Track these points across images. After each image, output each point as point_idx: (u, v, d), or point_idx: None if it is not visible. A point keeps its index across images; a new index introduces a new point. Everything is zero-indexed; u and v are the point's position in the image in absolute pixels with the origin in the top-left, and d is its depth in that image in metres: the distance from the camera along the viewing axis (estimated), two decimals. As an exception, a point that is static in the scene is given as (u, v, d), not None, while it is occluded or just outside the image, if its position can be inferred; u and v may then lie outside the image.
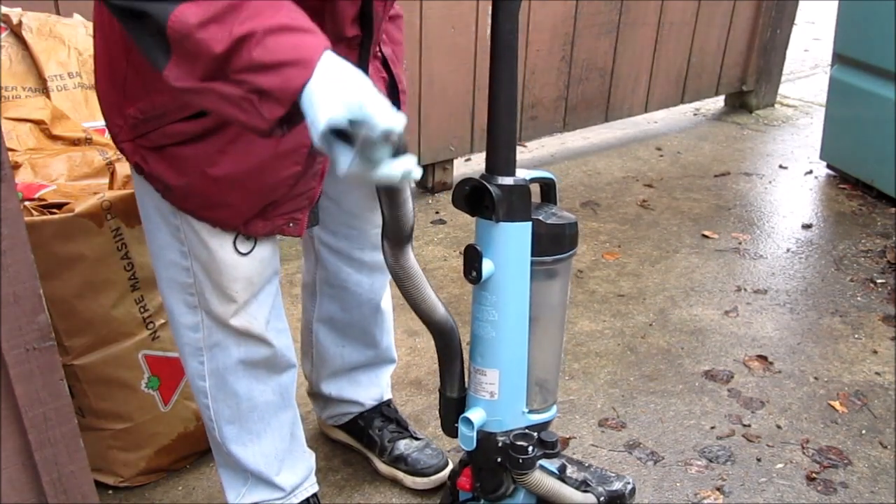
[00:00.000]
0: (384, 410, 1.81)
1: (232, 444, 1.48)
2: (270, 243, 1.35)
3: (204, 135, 1.18)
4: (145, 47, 0.98)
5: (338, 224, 1.56)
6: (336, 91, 0.93)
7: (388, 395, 1.84)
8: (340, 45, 1.20)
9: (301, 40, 0.96)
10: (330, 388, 1.77)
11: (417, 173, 0.98)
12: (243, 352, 1.39)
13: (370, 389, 1.79)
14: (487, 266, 1.26)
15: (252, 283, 1.34)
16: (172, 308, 1.39)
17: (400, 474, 1.76)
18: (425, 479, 1.75)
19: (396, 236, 1.17)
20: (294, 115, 0.96)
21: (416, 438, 1.80)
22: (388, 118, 0.92)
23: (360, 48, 1.26)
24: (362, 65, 1.27)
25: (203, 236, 1.28)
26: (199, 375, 1.42)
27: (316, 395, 1.83)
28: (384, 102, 0.93)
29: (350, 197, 1.52)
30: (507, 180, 1.24)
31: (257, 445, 1.49)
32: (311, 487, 1.62)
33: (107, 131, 1.33)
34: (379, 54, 1.39)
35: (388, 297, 1.72)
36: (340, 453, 1.84)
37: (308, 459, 1.61)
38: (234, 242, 1.31)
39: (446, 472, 1.75)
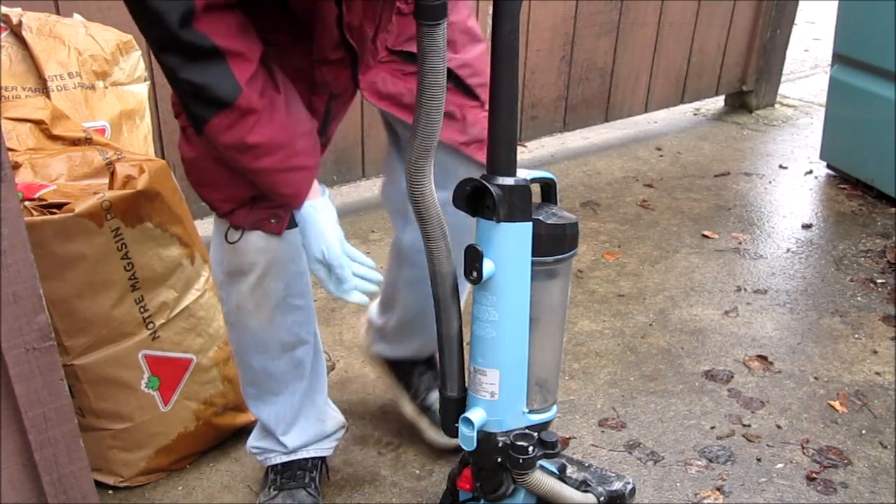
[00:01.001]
0: (432, 361, 1.84)
1: (250, 401, 1.64)
2: (261, 235, 1.42)
3: None
4: (184, 103, 1.25)
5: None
6: (313, 234, 1.33)
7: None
8: (329, 66, 1.34)
9: (296, 179, 1.30)
10: (400, 335, 1.81)
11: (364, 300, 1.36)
12: (256, 326, 1.49)
13: (432, 344, 1.80)
14: (488, 266, 1.26)
15: (253, 265, 1.42)
16: None
17: (424, 423, 1.80)
18: (444, 439, 1.75)
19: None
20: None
21: None
22: (340, 269, 1.32)
23: (352, 67, 1.36)
24: (354, 82, 1.39)
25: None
26: (231, 341, 1.59)
27: (378, 329, 1.86)
28: (339, 254, 1.32)
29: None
30: (508, 180, 1.24)
31: (272, 406, 1.61)
32: (316, 450, 1.69)
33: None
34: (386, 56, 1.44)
35: None
36: (341, 453, 1.84)
37: (320, 426, 1.67)
38: (226, 233, 1.43)
39: None
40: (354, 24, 1.28)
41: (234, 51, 1.18)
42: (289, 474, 1.68)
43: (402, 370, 1.86)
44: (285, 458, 1.67)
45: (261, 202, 1.38)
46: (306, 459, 1.69)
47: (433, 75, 1.14)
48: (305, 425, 1.65)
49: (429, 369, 1.84)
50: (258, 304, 1.47)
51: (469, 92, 1.49)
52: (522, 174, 1.27)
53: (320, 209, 1.33)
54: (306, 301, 1.54)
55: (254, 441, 1.70)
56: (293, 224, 1.40)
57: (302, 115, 1.31)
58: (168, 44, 1.16)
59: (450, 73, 1.35)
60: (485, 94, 1.46)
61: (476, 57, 1.49)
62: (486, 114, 1.43)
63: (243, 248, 1.42)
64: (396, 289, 1.76)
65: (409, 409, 1.84)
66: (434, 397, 1.79)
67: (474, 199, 1.26)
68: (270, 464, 1.69)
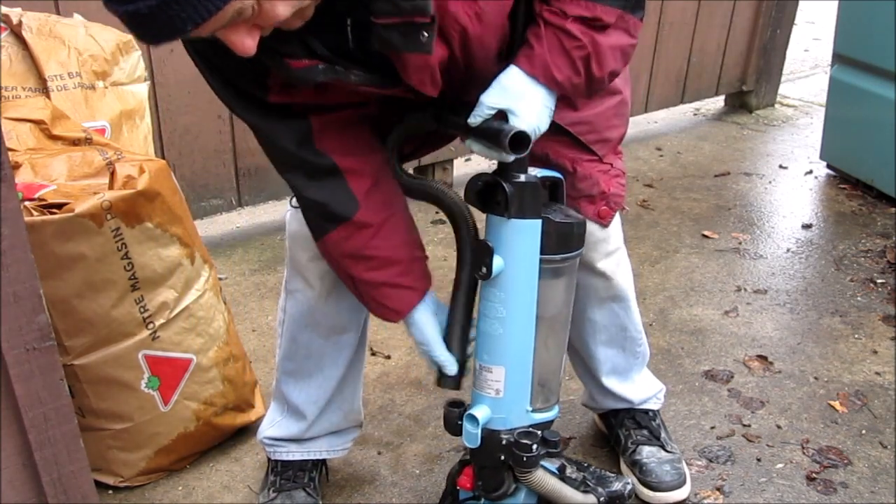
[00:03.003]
0: (639, 418, 1.79)
1: (284, 377, 1.63)
2: None
3: None
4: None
5: None
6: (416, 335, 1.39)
7: (648, 405, 1.80)
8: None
9: (400, 295, 1.37)
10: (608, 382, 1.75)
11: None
12: (311, 299, 1.51)
13: (637, 391, 1.78)
14: (498, 262, 1.26)
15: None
16: None
17: (634, 479, 1.73)
18: (656, 494, 1.71)
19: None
20: None
21: (667, 451, 1.76)
22: (439, 363, 1.36)
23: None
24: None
25: None
26: (282, 308, 1.60)
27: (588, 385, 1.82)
28: (439, 353, 1.36)
29: None
30: (520, 177, 1.24)
31: (305, 388, 1.61)
32: (328, 451, 1.69)
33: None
34: None
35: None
36: (345, 449, 1.84)
37: (342, 417, 1.67)
38: (291, 198, 1.46)
39: (681, 493, 1.72)
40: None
41: (351, 168, 1.26)
42: (288, 475, 1.67)
43: (608, 423, 1.84)
44: (296, 455, 1.67)
45: None
46: (306, 461, 1.68)
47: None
48: (332, 413, 1.65)
49: (638, 426, 1.79)
50: (319, 277, 1.48)
51: (584, 146, 1.46)
52: (532, 172, 1.27)
53: (420, 318, 1.38)
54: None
55: (266, 430, 1.68)
56: None
57: (418, 239, 1.41)
58: (290, 163, 1.26)
59: (561, 128, 1.40)
60: (603, 150, 1.47)
61: (598, 113, 1.46)
62: (603, 167, 1.46)
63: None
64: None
65: (622, 464, 1.80)
66: (646, 452, 1.74)
67: (486, 195, 1.27)
68: (277, 458, 1.68)
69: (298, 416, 1.64)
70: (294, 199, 1.43)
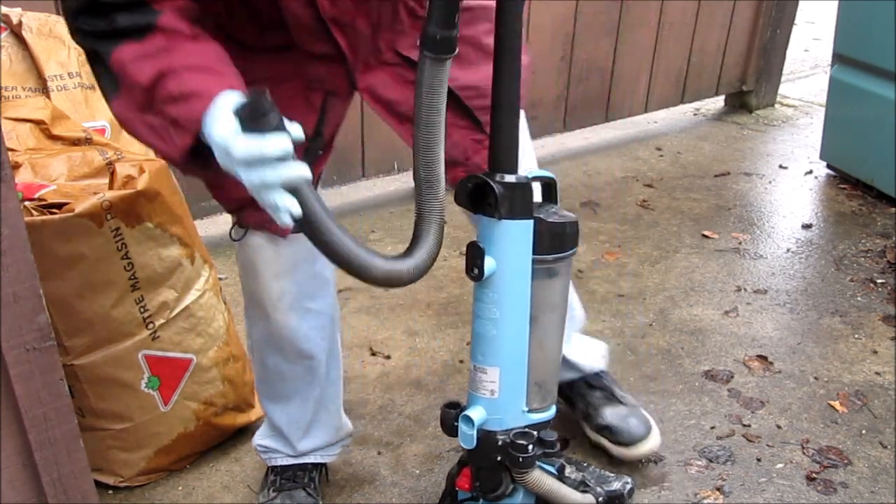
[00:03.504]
0: (590, 380, 1.83)
1: (263, 399, 1.65)
2: (265, 236, 1.41)
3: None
4: (103, 85, 1.15)
5: None
6: (216, 133, 1.04)
7: (597, 367, 1.84)
8: (319, 60, 1.29)
9: (208, 78, 1.08)
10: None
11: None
12: (272, 324, 1.49)
13: (583, 356, 1.81)
14: (489, 263, 1.26)
15: (263, 263, 1.42)
16: None
17: (606, 443, 1.78)
18: (629, 449, 1.75)
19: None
20: (203, 150, 1.08)
21: (623, 404, 1.80)
22: (242, 161, 1.03)
23: (345, 64, 1.31)
24: (350, 80, 1.34)
25: None
26: (248, 334, 1.59)
27: None
28: (245, 146, 1.02)
29: None
30: (510, 178, 1.24)
31: (285, 409, 1.61)
32: (322, 456, 1.69)
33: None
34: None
35: None
36: (341, 452, 1.84)
37: (333, 433, 1.68)
38: (231, 230, 1.43)
39: (652, 441, 1.76)
40: (342, 19, 1.23)
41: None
42: (289, 475, 1.68)
43: (566, 396, 1.84)
44: (290, 461, 1.67)
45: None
46: (307, 463, 1.69)
47: (431, 110, 1.13)
48: (319, 432, 1.66)
49: (591, 389, 1.82)
50: (273, 303, 1.46)
51: (466, 112, 1.41)
52: (523, 173, 1.27)
53: (228, 99, 1.06)
54: (322, 305, 1.53)
55: (260, 439, 1.69)
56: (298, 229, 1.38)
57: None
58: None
59: (450, 92, 1.28)
60: (486, 117, 1.36)
61: (483, 77, 1.35)
62: (477, 136, 1.41)
63: (248, 245, 1.42)
64: None
65: (589, 433, 1.82)
66: (609, 413, 1.77)
67: (476, 196, 1.27)
68: (273, 464, 1.69)
69: (284, 439, 1.65)
70: (235, 230, 1.42)
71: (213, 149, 1.06)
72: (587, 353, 1.84)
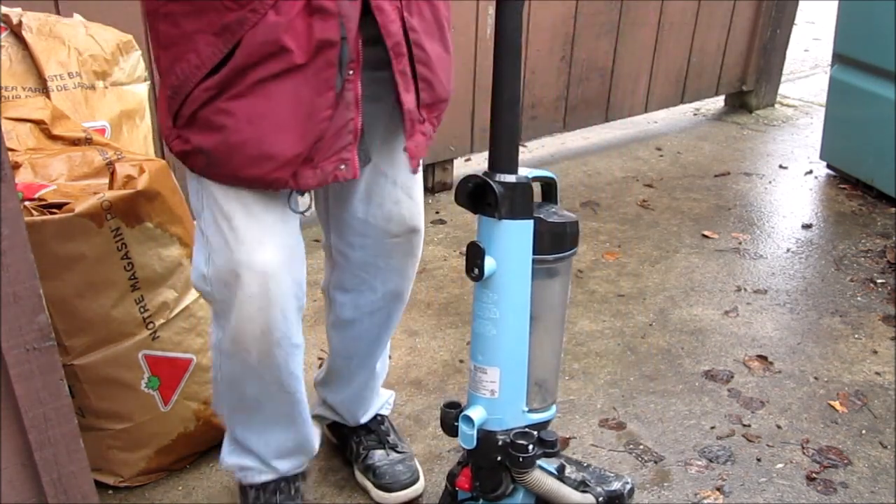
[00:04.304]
0: (368, 424, 1.78)
1: (239, 428, 1.53)
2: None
3: (226, 83, 1.17)
4: None
5: (352, 234, 1.50)
6: None
7: (371, 415, 1.78)
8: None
9: None
10: (328, 395, 1.76)
11: None
12: (246, 361, 1.38)
13: (357, 412, 1.75)
14: (489, 263, 1.26)
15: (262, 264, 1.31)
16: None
17: (368, 484, 1.73)
18: (390, 495, 1.70)
19: None
20: None
21: (397, 452, 1.75)
22: None
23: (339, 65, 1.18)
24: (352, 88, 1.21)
25: (254, 210, 1.27)
26: (216, 367, 1.48)
27: (318, 395, 1.81)
28: None
29: (360, 206, 1.47)
30: (510, 178, 1.24)
31: (262, 435, 1.53)
32: (296, 467, 1.61)
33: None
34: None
35: (400, 314, 1.66)
36: (341, 454, 1.84)
37: (308, 452, 1.60)
38: (289, 200, 1.30)
39: (415, 489, 1.71)
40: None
41: None
42: (271, 489, 1.59)
43: (344, 435, 1.80)
44: (270, 476, 1.58)
45: (321, 152, 1.22)
46: (288, 475, 1.61)
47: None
48: (300, 455, 1.60)
49: (367, 434, 1.77)
50: (257, 339, 1.33)
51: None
52: (523, 172, 1.27)
53: None
54: (301, 338, 1.44)
55: (231, 459, 1.58)
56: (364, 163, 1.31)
57: None
58: None
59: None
60: (435, 112, 1.37)
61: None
62: (426, 128, 1.37)
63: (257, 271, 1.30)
64: (328, 333, 1.70)
65: (357, 473, 1.77)
66: (377, 455, 1.73)
67: (476, 197, 1.27)
68: (251, 482, 1.59)
69: (260, 460, 1.56)
70: (299, 202, 1.33)
71: None
72: (380, 401, 1.80)
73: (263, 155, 1.20)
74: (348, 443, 1.79)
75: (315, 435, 1.62)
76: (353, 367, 1.69)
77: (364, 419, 1.77)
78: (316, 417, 1.74)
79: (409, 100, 1.28)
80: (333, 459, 1.83)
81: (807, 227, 2.96)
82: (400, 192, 1.46)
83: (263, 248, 1.28)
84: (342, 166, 1.24)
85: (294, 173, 1.22)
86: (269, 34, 1.14)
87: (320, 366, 1.83)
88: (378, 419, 1.79)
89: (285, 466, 1.58)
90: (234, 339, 1.34)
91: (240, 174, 1.23)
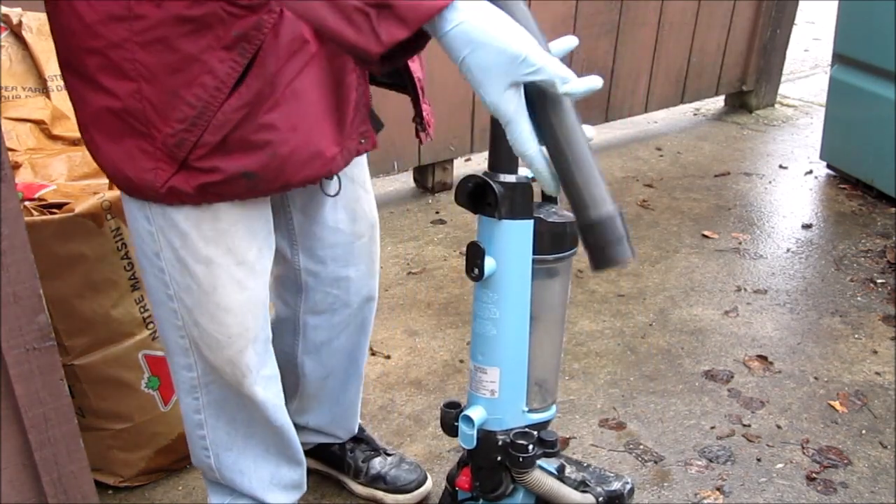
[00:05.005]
0: (357, 438, 1.76)
1: (227, 471, 1.47)
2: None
3: (260, 97, 1.08)
4: None
5: (323, 247, 1.46)
6: (499, 38, 0.86)
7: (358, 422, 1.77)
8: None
9: None
10: (309, 419, 1.68)
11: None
12: (226, 395, 1.38)
13: (351, 422, 1.73)
14: (489, 263, 1.26)
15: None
16: (167, 344, 1.37)
17: (380, 493, 1.71)
18: (408, 496, 1.70)
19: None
20: (405, 47, 0.87)
21: (389, 455, 1.75)
22: (562, 71, 0.89)
23: None
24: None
25: (236, 242, 1.23)
26: (195, 410, 1.41)
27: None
28: (547, 53, 0.89)
29: (330, 214, 1.43)
30: (510, 178, 1.24)
31: (253, 472, 1.48)
32: (290, 499, 1.58)
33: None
34: None
35: (373, 315, 1.62)
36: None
37: (295, 475, 1.56)
38: (321, 186, 1.29)
39: (427, 485, 1.72)
40: None
41: None
42: None
43: (329, 454, 1.75)
44: None
45: (344, 130, 1.18)
46: None
47: None
48: (288, 481, 1.55)
49: (356, 442, 1.74)
50: (245, 371, 1.32)
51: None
52: (524, 172, 1.27)
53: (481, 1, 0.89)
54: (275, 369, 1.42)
55: (223, 499, 1.54)
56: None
57: None
58: None
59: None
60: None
61: None
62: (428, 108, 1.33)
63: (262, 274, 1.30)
64: (294, 362, 1.62)
65: (358, 489, 1.73)
66: (377, 463, 1.71)
67: (476, 197, 1.26)
68: None
69: (254, 499, 1.52)
70: (331, 186, 1.32)
71: (475, 56, 0.86)
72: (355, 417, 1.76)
73: (313, 155, 1.15)
74: (343, 461, 1.74)
75: (296, 468, 1.57)
76: (332, 385, 1.64)
77: (356, 427, 1.74)
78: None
79: (416, 67, 1.28)
80: (323, 487, 1.79)
81: (807, 227, 2.96)
82: (360, 189, 1.44)
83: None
84: (362, 140, 1.23)
85: (333, 156, 1.19)
86: (293, 30, 1.07)
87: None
88: (360, 428, 1.77)
89: (277, 499, 1.54)
90: (206, 370, 1.34)
91: (292, 181, 1.17)
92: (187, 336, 1.31)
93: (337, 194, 1.34)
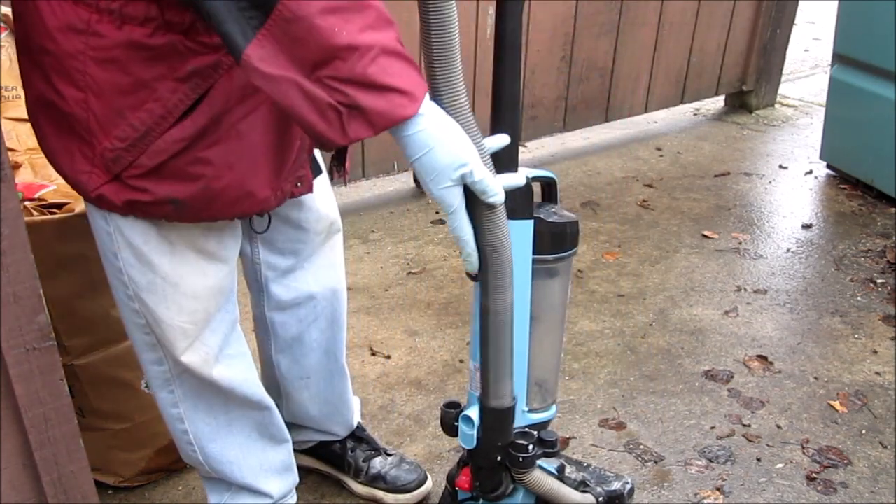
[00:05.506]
0: (355, 432, 1.76)
1: (215, 464, 1.47)
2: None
3: (201, 133, 1.09)
4: (223, 20, 0.90)
5: (284, 241, 1.47)
6: (449, 147, 1.00)
7: (357, 419, 1.77)
8: None
9: (411, 72, 0.95)
10: (302, 418, 1.69)
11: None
12: (205, 378, 1.37)
13: (346, 417, 1.73)
14: None
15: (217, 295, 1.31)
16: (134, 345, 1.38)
17: (380, 493, 1.71)
18: (408, 496, 1.70)
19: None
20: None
21: (389, 455, 1.75)
22: (494, 185, 1.05)
23: None
24: None
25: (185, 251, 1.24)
26: (172, 404, 1.41)
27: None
28: (485, 167, 1.04)
29: (293, 210, 1.43)
30: None
31: (242, 460, 1.48)
32: (292, 499, 1.60)
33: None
34: None
35: (344, 308, 1.62)
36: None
37: (282, 455, 1.56)
38: (251, 223, 1.33)
39: (428, 485, 1.72)
40: None
41: None
42: None
43: (329, 453, 1.75)
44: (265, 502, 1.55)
45: (281, 174, 1.21)
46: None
47: None
48: (284, 469, 1.56)
49: (356, 441, 1.74)
50: (213, 356, 1.33)
51: None
52: (523, 172, 1.27)
53: (433, 105, 1.00)
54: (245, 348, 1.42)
55: (222, 499, 1.54)
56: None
57: None
58: None
59: None
60: None
61: None
62: None
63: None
64: (272, 363, 1.63)
65: (358, 488, 1.73)
66: (378, 463, 1.71)
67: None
68: None
69: (251, 491, 1.52)
70: (259, 223, 1.35)
71: (428, 157, 0.98)
72: (357, 403, 1.78)
73: (245, 194, 1.17)
74: (343, 460, 1.74)
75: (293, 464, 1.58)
76: (316, 384, 1.63)
77: (355, 421, 1.75)
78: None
79: None
80: (323, 487, 1.79)
81: (807, 227, 2.96)
82: (322, 188, 1.45)
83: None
84: (298, 184, 1.27)
85: (264, 199, 1.21)
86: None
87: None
88: (360, 427, 1.77)
89: (276, 488, 1.54)
90: (176, 362, 1.33)
91: (219, 216, 1.20)
92: (152, 332, 1.31)
93: (265, 231, 1.37)
